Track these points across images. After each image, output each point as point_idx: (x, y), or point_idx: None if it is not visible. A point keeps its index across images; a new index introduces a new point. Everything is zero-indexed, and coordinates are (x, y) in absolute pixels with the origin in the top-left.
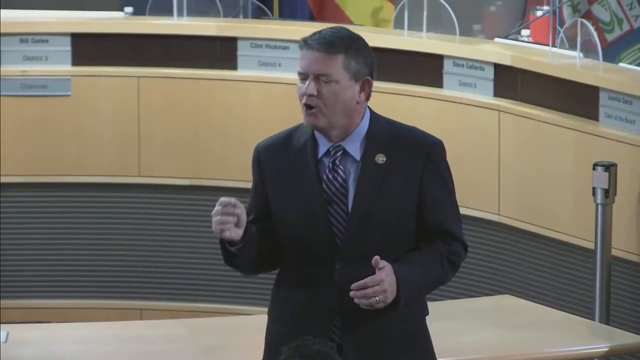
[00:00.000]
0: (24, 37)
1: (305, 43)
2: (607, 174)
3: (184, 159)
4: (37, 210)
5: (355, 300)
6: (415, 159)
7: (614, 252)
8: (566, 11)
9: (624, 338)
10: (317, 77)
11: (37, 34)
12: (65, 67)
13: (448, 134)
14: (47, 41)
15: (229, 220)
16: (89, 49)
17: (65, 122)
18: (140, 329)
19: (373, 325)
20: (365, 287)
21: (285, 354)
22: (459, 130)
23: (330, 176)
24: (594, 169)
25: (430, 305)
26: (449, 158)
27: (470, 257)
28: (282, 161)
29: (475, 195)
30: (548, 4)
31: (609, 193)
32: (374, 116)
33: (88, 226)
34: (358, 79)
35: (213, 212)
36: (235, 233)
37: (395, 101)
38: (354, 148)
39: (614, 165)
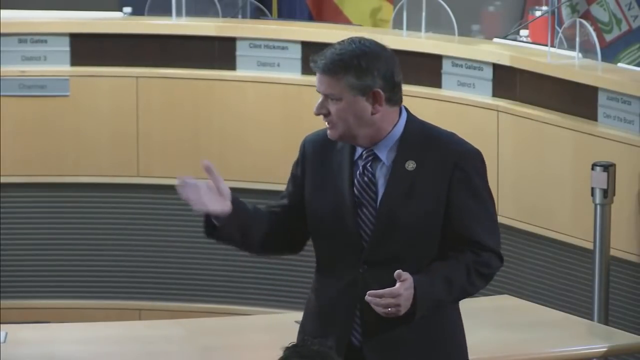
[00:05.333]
0: (23, 37)
1: (313, 65)
2: (605, 174)
3: (182, 159)
4: (35, 211)
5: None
6: (445, 167)
7: (613, 252)
8: (565, 11)
9: (623, 338)
10: (326, 96)
11: (36, 34)
12: (64, 68)
13: None
14: (45, 41)
15: (194, 199)
16: (88, 49)
17: (64, 123)
18: (139, 329)
19: (394, 330)
20: (381, 297)
21: (284, 354)
22: (458, 131)
23: (360, 179)
24: (592, 169)
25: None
26: None
27: None
28: (323, 157)
29: None
30: (547, 4)
31: (608, 193)
32: (410, 120)
33: (87, 226)
34: (365, 92)
35: (186, 186)
36: (221, 206)
37: None
38: (385, 153)
39: (613, 165)
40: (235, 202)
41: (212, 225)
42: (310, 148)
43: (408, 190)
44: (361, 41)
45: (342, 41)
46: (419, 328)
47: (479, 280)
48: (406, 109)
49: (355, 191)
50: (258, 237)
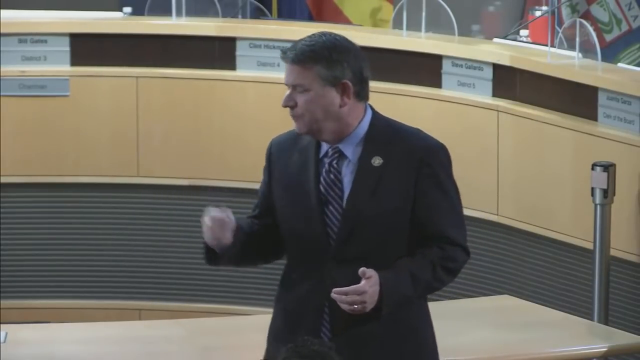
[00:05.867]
0: (23, 37)
1: (283, 56)
2: (605, 174)
3: (182, 159)
4: (35, 211)
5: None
6: (411, 162)
7: (613, 252)
8: (565, 11)
9: (623, 338)
10: (294, 87)
11: (36, 34)
12: (64, 68)
13: (447, 134)
14: (45, 41)
15: (222, 236)
16: (88, 49)
17: (64, 123)
18: (139, 329)
19: (363, 327)
20: (346, 294)
21: (284, 354)
22: (458, 131)
23: (326, 177)
24: (592, 169)
25: (429, 305)
26: None
27: None
28: (289, 157)
29: (474, 196)
30: (547, 4)
31: (608, 193)
32: (375, 117)
33: (87, 226)
34: (334, 84)
35: (204, 225)
36: (227, 239)
37: (393, 101)
38: (351, 150)
39: (613, 165)
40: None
41: (213, 253)
42: (276, 150)
43: (374, 187)
44: (332, 35)
45: (313, 34)
46: (387, 324)
47: (446, 275)
48: (371, 107)
49: (322, 189)
50: (253, 254)
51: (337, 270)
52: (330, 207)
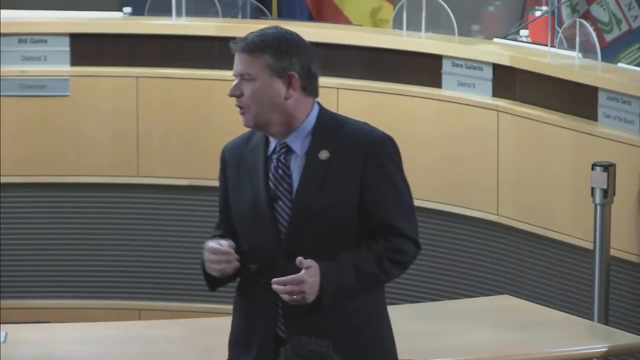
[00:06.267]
0: (23, 37)
1: (234, 45)
2: (605, 174)
3: (182, 159)
4: (35, 211)
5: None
6: (357, 155)
7: (613, 253)
8: (565, 11)
9: (623, 338)
10: (242, 77)
11: (36, 34)
12: (64, 68)
13: (447, 134)
14: (45, 41)
15: (228, 267)
16: (88, 49)
17: (64, 123)
18: (139, 329)
19: (316, 320)
20: (285, 284)
21: (282, 355)
22: (458, 131)
23: (275, 173)
24: (592, 169)
25: (429, 305)
26: (447, 158)
27: (469, 258)
28: (240, 159)
29: (474, 196)
30: (547, 4)
31: (608, 193)
32: (322, 112)
33: (87, 226)
34: (280, 75)
35: (208, 261)
36: (231, 268)
37: (393, 101)
38: (298, 144)
39: (613, 165)
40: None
41: (215, 279)
42: (229, 155)
43: (322, 180)
44: (283, 29)
45: (264, 27)
46: (340, 317)
47: (393, 268)
48: (319, 103)
49: (271, 185)
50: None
51: (287, 265)
52: (280, 203)
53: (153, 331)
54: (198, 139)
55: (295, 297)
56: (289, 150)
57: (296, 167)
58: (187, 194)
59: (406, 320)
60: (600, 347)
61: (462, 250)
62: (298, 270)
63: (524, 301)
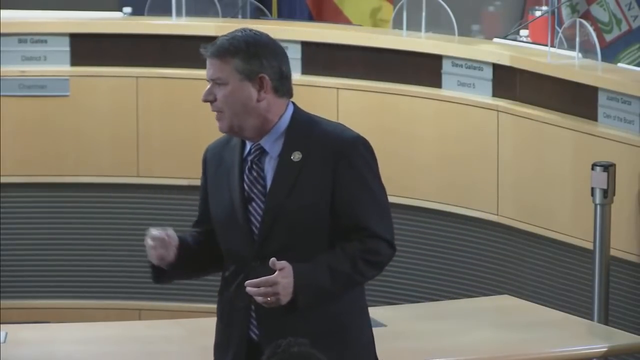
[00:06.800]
0: (23, 37)
1: (204, 51)
2: (605, 174)
3: (182, 159)
4: (36, 211)
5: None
6: (329, 156)
7: (613, 253)
8: (565, 11)
9: (623, 338)
10: (214, 82)
11: (36, 34)
12: (64, 68)
13: (447, 134)
14: (45, 41)
15: (166, 254)
16: (88, 49)
17: (64, 123)
18: (139, 329)
19: (290, 323)
20: (258, 286)
21: None
22: (458, 131)
23: (249, 174)
24: (592, 169)
25: (429, 305)
26: (447, 158)
27: (469, 258)
28: (220, 161)
29: (474, 196)
30: (547, 4)
31: (608, 193)
32: (296, 113)
33: (87, 226)
34: (251, 78)
35: (147, 245)
36: (170, 257)
37: (393, 101)
38: (272, 146)
39: (613, 165)
40: (180, 244)
41: (159, 271)
42: (210, 156)
43: (294, 182)
44: (252, 30)
45: (235, 30)
46: (315, 320)
47: (368, 269)
48: (294, 104)
49: (245, 186)
50: (202, 265)
51: (261, 267)
52: (254, 204)
53: (153, 331)
54: (198, 139)
55: (268, 298)
56: (263, 152)
57: (270, 169)
58: (187, 194)
59: (406, 320)
60: (600, 347)
61: (462, 250)
62: (272, 271)
63: (524, 301)
